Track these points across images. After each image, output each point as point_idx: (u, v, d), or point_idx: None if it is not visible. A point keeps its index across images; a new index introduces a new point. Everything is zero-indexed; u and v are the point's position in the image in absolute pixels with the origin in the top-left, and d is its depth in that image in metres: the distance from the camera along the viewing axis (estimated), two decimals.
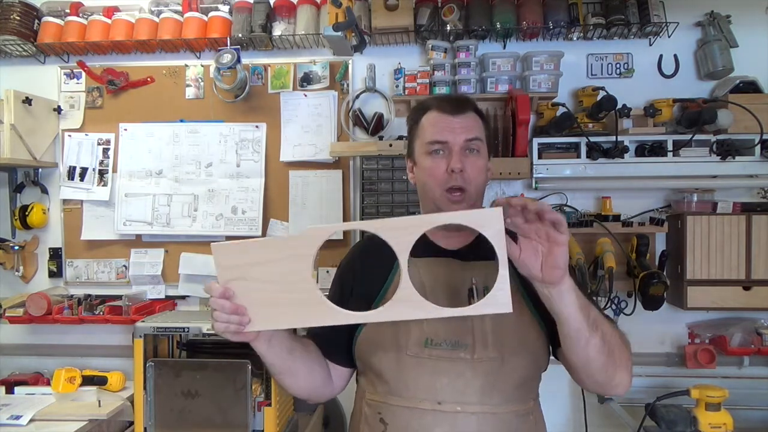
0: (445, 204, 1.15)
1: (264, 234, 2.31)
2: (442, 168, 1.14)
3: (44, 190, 2.42)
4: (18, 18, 2.29)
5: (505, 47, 2.26)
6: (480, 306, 0.93)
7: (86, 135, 2.40)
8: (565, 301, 0.94)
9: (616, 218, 2.08)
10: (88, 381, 2.02)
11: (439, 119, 1.17)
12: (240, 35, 2.23)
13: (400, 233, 0.92)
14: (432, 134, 1.17)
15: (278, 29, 2.25)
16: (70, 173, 2.38)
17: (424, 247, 1.21)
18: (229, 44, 2.21)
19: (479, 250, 1.19)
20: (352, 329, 1.18)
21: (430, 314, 0.95)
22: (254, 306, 0.99)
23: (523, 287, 1.13)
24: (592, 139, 2.08)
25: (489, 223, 0.89)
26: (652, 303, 2.01)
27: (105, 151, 2.39)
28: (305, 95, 2.32)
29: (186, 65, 2.37)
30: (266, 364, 1.11)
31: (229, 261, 0.98)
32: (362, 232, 2.16)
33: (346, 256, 1.34)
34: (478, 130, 1.17)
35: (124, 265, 2.39)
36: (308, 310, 0.97)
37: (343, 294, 1.24)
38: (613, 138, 2.07)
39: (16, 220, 2.35)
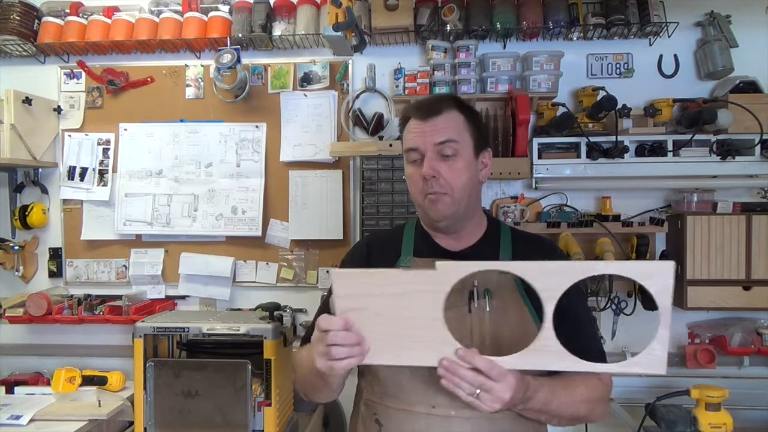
0: (427, 206, 1.15)
1: (264, 234, 2.31)
2: (418, 175, 1.15)
3: (44, 190, 2.42)
4: (18, 18, 2.28)
5: (505, 47, 2.26)
6: (630, 364, 0.88)
7: (86, 135, 2.40)
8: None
9: (616, 218, 2.07)
10: (88, 381, 2.01)
11: (413, 126, 1.16)
12: (240, 35, 2.23)
13: (549, 279, 0.86)
14: (407, 142, 1.18)
15: (278, 29, 2.25)
16: (70, 173, 2.38)
17: (427, 248, 1.22)
18: (229, 44, 2.21)
19: (482, 252, 1.19)
20: None
21: (568, 367, 0.91)
22: (370, 339, 0.94)
23: (525, 292, 1.13)
24: (592, 139, 2.08)
25: (657, 276, 0.83)
26: (652, 303, 1.99)
27: (105, 151, 2.39)
28: (305, 95, 2.32)
29: (186, 65, 2.37)
30: (327, 389, 1.10)
31: (350, 290, 0.92)
32: (363, 231, 2.18)
33: (350, 253, 1.33)
34: (451, 131, 1.13)
35: (124, 265, 2.39)
36: (435, 348, 0.92)
37: None
38: (613, 138, 2.07)
39: (16, 220, 2.35)
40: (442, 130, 1.13)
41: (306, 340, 1.27)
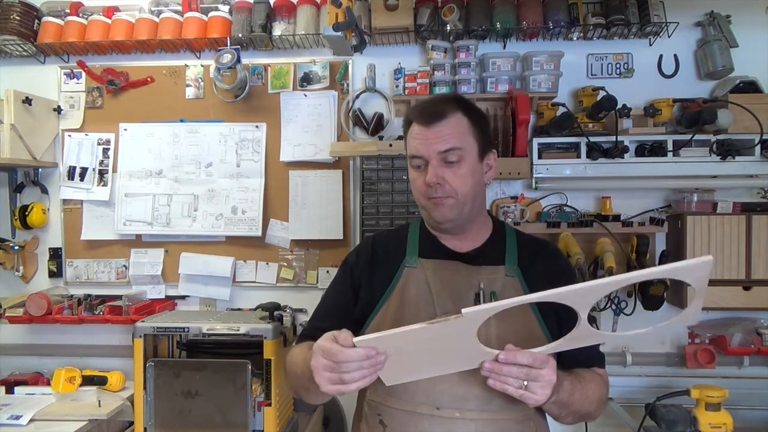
0: (431, 208, 1.16)
1: (264, 234, 2.31)
2: (421, 181, 1.15)
3: (44, 190, 2.42)
4: (18, 18, 2.28)
5: (505, 47, 2.26)
6: (675, 321, 0.93)
7: (86, 135, 2.40)
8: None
9: (616, 218, 2.07)
10: (88, 381, 2.02)
11: (417, 132, 1.15)
12: (240, 35, 2.23)
13: (582, 298, 0.86)
14: (411, 149, 1.17)
15: (278, 29, 2.25)
16: (70, 173, 2.38)
17: (432, 248, 1.22)
18: (229, 44, 2.21)
19: (487, 254, 1.19)
20: (359, 327, 1.18)
21: (602, 338, 0.98)
22: (399, 367, 0.94)
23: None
24: (592, 139, 2.08)
25: (695, 274, 0.84)
26: (652, 303, 2.01)
27: (105, 151, 2.39)
28: (305, 95, 2.32)
29: (186, 65, 2.37)
30: (321, 395, 1.07)
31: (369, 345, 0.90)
32: (363, 231, 2.17)
33: (355, 252, 1.32)
34: (455, 138, 1.12)
35: (124, 265, 2.39)
36: (472, 358, 0.94)
37: (353, 287, 1.23)
38: (613, 138, 2.07)
39: (16, 220, 2.35)
40: (445, 137, 1.12)
41: (304, 337, 1.25)
